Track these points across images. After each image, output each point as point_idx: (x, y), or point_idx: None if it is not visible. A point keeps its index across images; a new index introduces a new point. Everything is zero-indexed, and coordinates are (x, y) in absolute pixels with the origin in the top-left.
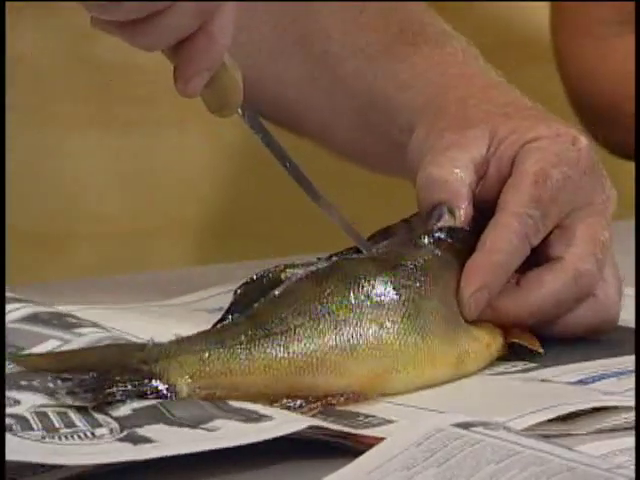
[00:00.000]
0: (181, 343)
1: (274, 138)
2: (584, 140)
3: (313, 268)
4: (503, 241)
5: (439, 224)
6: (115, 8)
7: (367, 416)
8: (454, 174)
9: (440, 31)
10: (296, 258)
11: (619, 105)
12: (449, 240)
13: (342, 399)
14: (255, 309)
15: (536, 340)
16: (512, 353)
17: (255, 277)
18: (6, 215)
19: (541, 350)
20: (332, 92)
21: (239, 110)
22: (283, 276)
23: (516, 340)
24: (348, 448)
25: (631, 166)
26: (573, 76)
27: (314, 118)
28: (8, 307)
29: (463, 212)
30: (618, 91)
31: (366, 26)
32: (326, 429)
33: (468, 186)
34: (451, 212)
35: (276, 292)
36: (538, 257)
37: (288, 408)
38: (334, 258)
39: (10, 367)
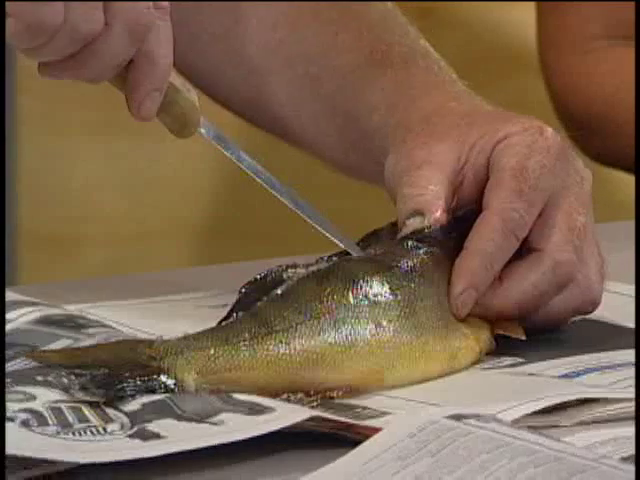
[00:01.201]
0: (188, 340)
1: (241, 151)
2: (550, 129)
3: (314, 268)
4: (486, 241)
5: (418, 228)
6: (47, 49)
7: (364, 408)
8: (429, 190)
9: (407, 50)
10: (297, 258)
11: (606, 117)
12: (433, 244)
13: (340, 393)
14: (258, 307)
15: (520, 328)
16: (500, 349)
17: (258, 277)
18: (19, 218)
19: (524, 337)
20: (316, 112)
21: (201, 129)
22: (285, 276)
23: (501, 331)
24: (345, 439)
25: (617, 174)
26: (560, 89)
27: (306, 136)
28: (22, 310)
29: (438, 217)
30: (604, 103)
31: (341, 47)
32: (327, 420)
33: (443, 199)
34: (426, 218)
35: (278, 291)
36: (520, 248)
37: (289, 401)
38: (334, 259)
39: (26, 363)
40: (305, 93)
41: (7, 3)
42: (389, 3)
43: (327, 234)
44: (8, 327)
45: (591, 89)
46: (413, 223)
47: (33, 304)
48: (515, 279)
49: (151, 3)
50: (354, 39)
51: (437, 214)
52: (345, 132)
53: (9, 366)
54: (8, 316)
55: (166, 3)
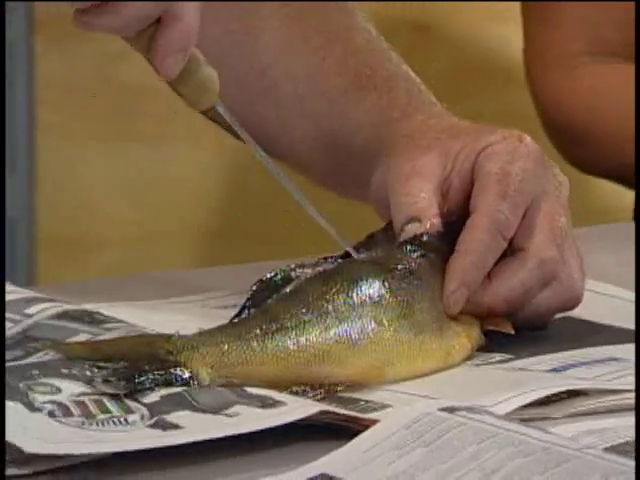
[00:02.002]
0: (203, 336)
1: (249, 136)
2: (528, 137)
3: (320, 269)
4: (476, 242)
5: (416, 233)
6: None
7: (367, 402)
8: (422, 197)
9: (390, 74)
10: (304, 259)
11: (587, 128)
12: (429, 248)
13: (344, 387)
14: (268, 305)
15: (509, 324)
16: (490, 346)
17: (268, 276)
18: (37, 221)
19: (512, 331)
20: (303, 132)
21: (217, 106)
22: (293, 275)
23: (491, 327)
24: (346, 430)
25: (599, 181)
26: (545, 102)
27: (294, 153)
28: (41, 306)
29: (435, 222)
30: (586, 115)
31: (328, 71)
32: (334, 413)
33: (436, 206)
34: (422, 224)
35: (287, 290)
36: (505, 249)
37: (296, 394)
38: (339, 260)
39: (48, 355)
40: (293, 113)
41: None
42: (373, 30)
43: (325, 227)
44: (29, 321)
45: (574, 102)
46: (411, 229)
47: (51, 301)
48: (503, 277)
49: None
50: (340, 63)
51: (432, 220)
52: (330, 152)
53: (32, 359)
54: (28, 311)
55: None
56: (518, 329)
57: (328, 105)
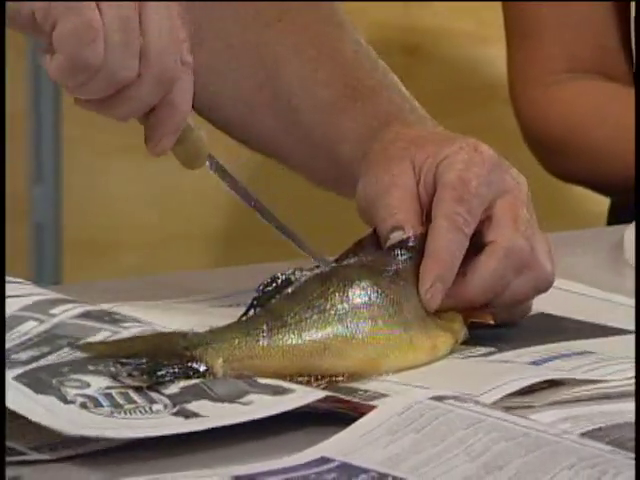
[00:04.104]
0: (215, 332)
1: (238, 182)
2: (484, 146)
3: (318, 271)
4: (440, 240)
5: (401, 239)
6: (87, 88)
7: (365, 391)
8: (403, 208)
9: (374, 83)
10: (302, 262)
11: (564, 140)
12: (413, 252)
13: (344, 378)
14: (273, 304)
15: (489, 315)
16: (475, 340)
17: (272, 278)
18: (63, 227)
19: (492, 321)
20: (298, 139)
21: (207, 162)
22: (293, 278)
23: (474, 319)
24: (342, 418)
25: (576, 189)
26: (526, 117)
27: (292, 158)
28: (64, 306)
29: (416, 229)
30: (563, 128)
31: (319, 83)
32: (339, 398)
33: (415, 212)
34: (405, 232)
35: (289, 290)
36: (477, 247)
37: (300, 384)
38: (333, 264)
39: (71, 352)
40: (288, 123)
41: (54, 35)
42: (362, 41)
43: (302, 249)
44: (54, 320)
45: (552, 116)
46: (396, 237)
47: (73, 301)
48: (477, 270)
49: (178, 58)
50: (330, 75)
51: (414, 228)
52: (322, 159)
53: (57, 354)
54: (53, 311)
55: (190, 58)
56: (501, 324)
57: (319, 116)
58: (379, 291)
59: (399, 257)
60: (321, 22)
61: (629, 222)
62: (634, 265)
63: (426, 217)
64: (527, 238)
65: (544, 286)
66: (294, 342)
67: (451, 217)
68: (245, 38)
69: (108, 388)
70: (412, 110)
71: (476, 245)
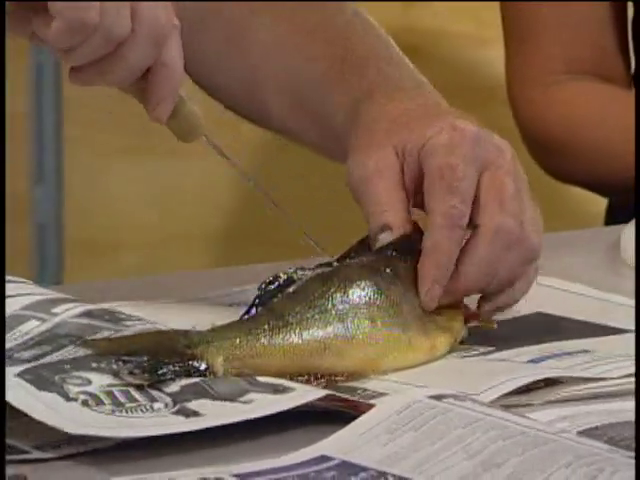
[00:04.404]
0: (216, 331)
1: (233, 159)
2: (461, 122)
3: (319, 271)
4: (437, 240)
5: (391, 241)
6: (83, 50)
7: (365, 390)
8: (391, 205)
9: (364, 53)
10: (302, 262)
11: (562, 140)
12: (406, 252)
13: (343, 377)
14: (274, 304)
15: (493, 321)
16: (473, 339)
17: (274, 277)
18: (65, 227)
19: (495, 326)
20: (299, 115)
21: (203, 137)
22: (295, 277)
23: (475, 324)
24: (341, 417)
25: (574, 189)
26: (524, 117)
27: (293, 136)
28: (66, 305)
29: (406, 228)
30: (561, 128)
31: (311, 58)
32: (339, 397)
33: (403, 206)
34: (393, 232)
35: (291, 290)
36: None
37: (300, 383)
38: (335, 264)
39: (75, 351)
40: (285, 100)
41: (50, 3)
42: (359, 9)
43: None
44: (56, 320)
45: (550, 116)
46: (385, 237)
47: (74, 301)
48: (467, 258)
49: (168, 18)
50: (323, 48)
51: (403, 228)
52: (320, 133)
53: (59, 353)
54: (55, 310)
55: (177, 21)
56: (499, 322)
57: (315, 89)
58: (379, 292)
59: (394, 258)
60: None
61: (627, 222)
62: (633, 265)
63: (413, 203)
64: (514, 215)
65: (531, 256)
66: (295, 341)
67: (446, 212)
68: (239, 24)
69: (110, 386)
70: (403, 78)
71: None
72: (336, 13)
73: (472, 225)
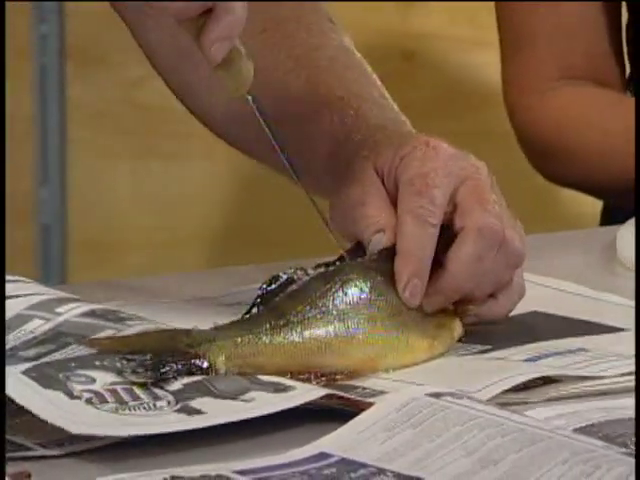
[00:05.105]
0: (218, 330)
1: (273, 128)
2: (435, 140)
3: (321, 270)
4: (408, 236)
5: (386, 246)
6: None
7: (364, 388)
8: (383, 214)
9: (343, 92)
10: (303, 262)
11: (556, 144)
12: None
13: (344, 376)
14: (276, 303)
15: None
16: (471, 338)
17: (275, 277)
18: (69, 228)
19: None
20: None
21: (248, 96)
22: (296, 277)
23: (471, 326)
24: (341, 414)
25: (570, 191)
26: (520, 122)
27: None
28: (69, 305)
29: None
30: (555, 133)
31: (292, 98)
32: (339, 396)
33: (393, 215)
34: (386, 235)
35: (292, 289)
36: (452, 238)
37: (300, 381)
38: (336, 263)
39: (80, 349)
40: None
41: None
42: (346, 41)
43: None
44: (60, 319)
45: (545, 121)
46: (378, 238)
47: (78, 300)
48: (455, 258)
49: None
50: (303, 87)
51: (395, 229)
52: (305, 170)
53: (63, 351)
54: (58, 310)
55: None
56: (495, 321)
57: (292, 128)
58: (379, 292)
59: (391, 260)
60: (303, 30)
61: (622, 223)
62: (630, 266)
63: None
64: (496, 216)
65: (515, 261)
66: (296, 340)
67: (414, 211)
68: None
69: (113, 384)
70: (385, 118)
71: (451, 237)
72: (319, 48)
73: (457, 230)
